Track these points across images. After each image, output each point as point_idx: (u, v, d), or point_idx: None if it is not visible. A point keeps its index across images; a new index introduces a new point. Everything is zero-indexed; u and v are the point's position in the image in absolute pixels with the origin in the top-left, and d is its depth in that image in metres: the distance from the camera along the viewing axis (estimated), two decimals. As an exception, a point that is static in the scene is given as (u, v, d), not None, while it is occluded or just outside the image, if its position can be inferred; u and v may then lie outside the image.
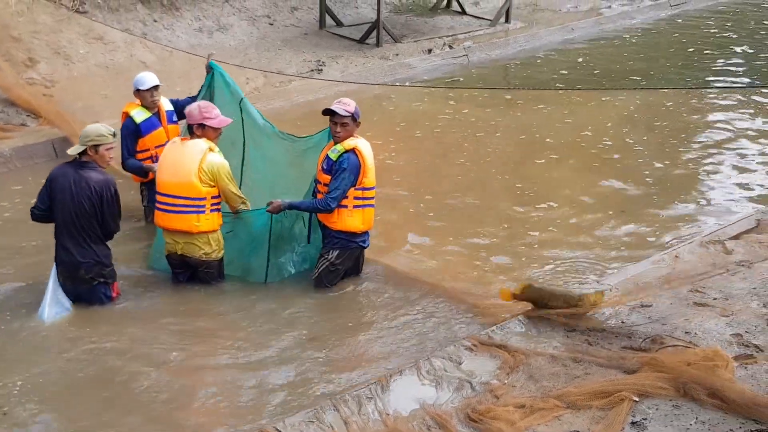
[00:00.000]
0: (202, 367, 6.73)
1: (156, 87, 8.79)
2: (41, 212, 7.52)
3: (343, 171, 7.57)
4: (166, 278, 8.07)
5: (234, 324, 7.43)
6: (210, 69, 8.93)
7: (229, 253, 8.01)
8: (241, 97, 8.69)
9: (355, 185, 7.68)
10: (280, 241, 8.05)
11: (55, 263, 7.51)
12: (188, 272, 7.93)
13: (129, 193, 9.15)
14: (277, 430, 5.45)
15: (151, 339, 7.16)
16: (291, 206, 7.78)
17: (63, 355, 6.91)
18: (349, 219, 7.78)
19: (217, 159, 7.60)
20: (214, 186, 7.60)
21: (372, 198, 7.89)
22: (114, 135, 7.47)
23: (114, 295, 7.67)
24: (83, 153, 7.37)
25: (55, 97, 12.48)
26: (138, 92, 8.78)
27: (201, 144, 7.62)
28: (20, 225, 8.81)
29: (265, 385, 6.42)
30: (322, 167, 7.76)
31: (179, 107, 9.04)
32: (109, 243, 7.67)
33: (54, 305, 7.42)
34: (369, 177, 7.78)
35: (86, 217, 7.35)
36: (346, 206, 7.72)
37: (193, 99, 9.00)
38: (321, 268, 7.89)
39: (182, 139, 7.81)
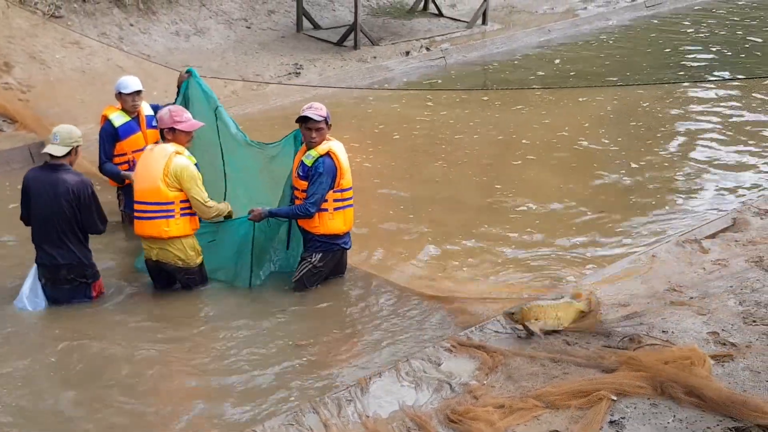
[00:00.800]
0: (181, 372, 6.73)
1: (138, 92, 8.79)
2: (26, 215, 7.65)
3: (320, 175, 7.57)
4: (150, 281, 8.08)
5: (213, 329, 7.41)
6: (188, 76, 8.86)
7: (214, 261, 8.03)
8: (217, 105, 8.65)
9: (333, 188, 7.68)
10: (263, 251, 8.07)
11: (36, 264, 7.57)
12: (165, 279, 7.91)
13: (107, 197, 9.13)
14: (257, 433, 5.46)
15: (130, 341, 7.17)
16: (271, 213, 7.78)
17: (43, 352, 6.99)
18: (330, 222, 7.78)
19: (181, 162, 7.52)
20: (182, 190, 7.53)
21: (350, 198, 7.91)
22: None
23: (95, 294, 7.74)
24: (65, 154, 7.43)
25: (32, 102, 12.42)
26: (120, 96, 8.77)
27: (168, 148, 7.58)
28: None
29: (245, 388, 6.42)
30: (298, 173, 7.75)
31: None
32: (91, 245, 7.72)
33: (32, 297, 7.56)
34: (346, 178, 7.79)
35: (65, 219, 7.40)
36: (326, 209, 7.72)
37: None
38: (303, 271, 7.89)
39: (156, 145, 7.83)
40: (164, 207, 7.51)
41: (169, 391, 6.44)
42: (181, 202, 7.55)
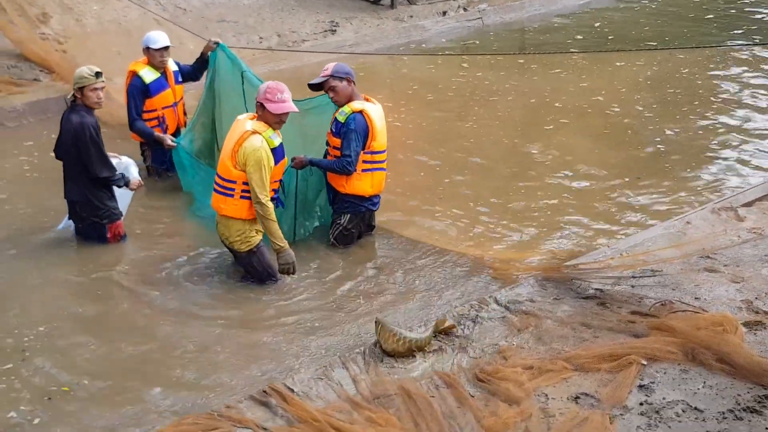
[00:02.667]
0: (212, 324, 6.76)
1: (167, 48, 8.75)
2: (57, 152, 7.87)
3: (351, 132, 7.55)
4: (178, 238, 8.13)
5: (239, 281, 7.43)
6: (215, 46, 8.85)
7: None
8: (243, 70, 8.61)
9: (364, 148, 7.66)
10: (308, 202, 8.08)
11: None
12: None
13: (134, 157, 9.19)
14: (287, 386, 5.48)
15: (152, 289, 7.30)
16: (312, 162, 7.75)
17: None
18: (357, 182, 7.77)
19: (253, 143, 6.93)
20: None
21: (382, 162, 7.88)
22: (97, 75, 7.54)
23: (110, 236, 7.90)
24: (75, 97, 7.61)
25: (68, 53, 12.48)
26: (148, 50, 8.74)
27: (247, 125, 7.05)
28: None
29: (275, 342, 6.45)
30: (332, 130, 7.74)
31: (183, 71, 9.06)
32: (125, 196, 8.00)
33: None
34: (378, 140, 7.74)
35: (73, 158, 7.64)
36: (354, 170, 7.71)
37: (194, 68, 9.02)
38: (336, 233, 7.92)
39: (251, 117, 7.20)
40: (227, 184, 7.08)
41: (198, 344, 6.46)
42: (244, 183, 7.02)
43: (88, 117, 7.61)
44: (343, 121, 7.60)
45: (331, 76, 7.62)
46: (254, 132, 6.98)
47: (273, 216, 7.05)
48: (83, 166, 7.63)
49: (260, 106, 7.06)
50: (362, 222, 8.00)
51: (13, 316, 6.84)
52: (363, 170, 7.75)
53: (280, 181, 7.45)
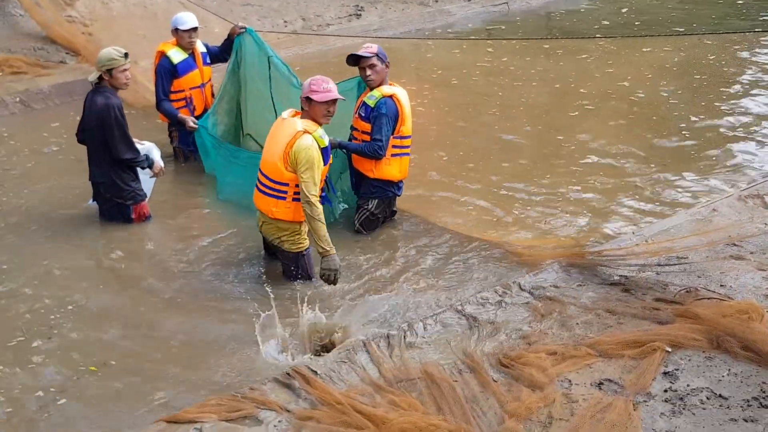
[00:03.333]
0: (234, 305, 6.80)
1: (195, 29, 8.78)
2: (80, 136, 7.97)
3: (383, 116, 7.52)
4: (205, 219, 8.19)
5: (263, 264, 7.46)
6: (242, 30, 8.81)
7: None
8: (269, 55, 8.58)
9: (393, 133, 7.64)
10: (333, 186, 8.04)
11: None
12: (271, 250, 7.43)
13: (159, 137, 9.26)
14: (311, 369, 5.49)
15: (177, 271, 7.34)
16: (341, 145, 7.71)
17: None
18: (386, 167, 7.76)
19: (305, 142, 6.68)
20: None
21: (408, 147, 7.87)
22: (126, 56, 7.61)
23: (135, 216, 8.01)
24: (100, 78, 7.62)
25: (94, 36, 12.54)
26: (176, 31, 8.78)
27: (297, 124, 6.79)
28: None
29: (300, 326, 6.45)
30: (359, 114, 7.70)
31: (210, 52, 9.09)
32: (149, 180, 8.06)
33: None
34: (406, 125, 7.73)
35: (98, 141, 7.71)
36: (384, 154, 7.70)
37: (221, 49, 9.01)
38: (362, 218, 7.92)
39: (294, 114, 6.97)
40: (278, 186, 6.86)
41: (220, 327, 6.49)
42: (296, 186, 6.79)
43: (114, 98, 7.65)
44: (372, 106, 7.57)
45: (377, 55, 7.59)
46: (305, 131, 6.73)
47: (322, 217, 6.75)
48: (108, 147, 7.68)
49: (306, 101, 6.80)
50: (387, 207, 8.00)
51: (40, 294, 6.90)
52: (392, 155, 7.74)
53: (326, 180, 7.28)
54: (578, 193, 8.85)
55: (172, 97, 8.90)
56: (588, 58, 13.15)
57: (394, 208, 8.17)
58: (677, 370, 5.52)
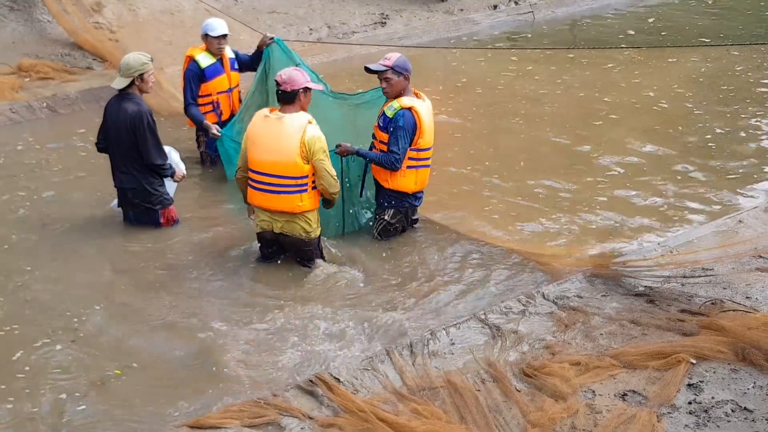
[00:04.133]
0: (257, 313, 6.78)
1: (225, 36, 8.85)
2: (101, 144, 7.96)
3: (399, 129, 7.47)
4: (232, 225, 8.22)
5: (288, 271, 7.45)
6: (270, 41, 8.86)
7: None
8: (297, 63, 8.62)
9: (411, 145, 7.60)
10: (352, 191, 8.05)
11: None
12: (279, 250, 7.52)
13: (187, 144, 9.31)
14: (333, 376, 5.49)
15: (202, 276, 7.36)
16: (359, 153, 7.68)
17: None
18: (402, 179, 7.72)
19: (316, 132, 6.97)
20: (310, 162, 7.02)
21: (427, 159, 7.79)
22: (152, 60, 7.72)
23: (163, 221, 8.04)
24: (129, 84, 7.65)
25: (120, 42, 12.62)
26: (206, 37, 8.85)
27: (302, 117, 6.99)
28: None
29: (322, 332, 6.45)
30: (379, 123, 7.69)
31: (240, 60, 9.14)
32: (171, 184, 8.06)
33: None
34: (425, 138, 7.64)
35: (127, 147, 7.73)
36: (401, 166, 7.66)
37: (251, 58, 9.06)
38: (379, 228, 7.91)
39: (271, 110, 7.15)
40: (300, 181, 7.01)
41: (243, 334, 6.49)
42: (313, 174, 7.06)
43: (144, 104, 7.72)
44: (391, 117, 7.54)
45: (392, 68, 7.53)
46: (309, 122, 6.98)
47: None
48: (137, 153, 7.72)
49: (304, 92, 7.03)
50: (405, 217, 7.97)
51: (64, 297, 6.94)
52: (408, 167, 7.68)
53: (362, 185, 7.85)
54: (603, 203, 8.81)
55: (200, 101, 8.96)
56: (614, 68, 13.11)
57: (416, 217, 8.15)
58: (702, 382, 5.48)
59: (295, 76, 7.03)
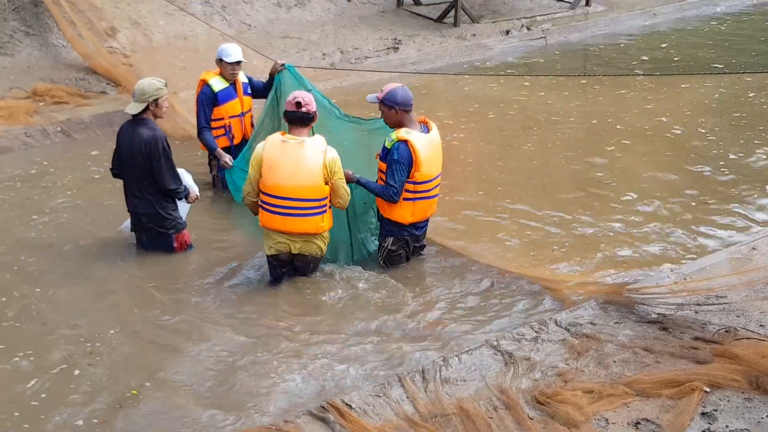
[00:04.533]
0: (269, 337, 6.79)
1: (239, 62, 8.90)
2: (116, 170, 7.99)
3: (395, 162, 7.38)
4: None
5: (301, 298, 7.45)
6: (282, 68, 8.90)
7: None
8: (309, 89, 8.64)
9: (408, 177, 7.48)
10: (357, 218, 8.03)
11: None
12: (289, 271, 7.60)
13: (200, 169, 9.34)
14: (345, 403, 5.48)
15: (215, 299, 7.38)
16: (359, 182, 7.63)
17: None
18: (398, 210, 7.63)
19: (334, 153, 7.20)
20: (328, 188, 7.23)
21: (426, 191, 7.62)
22: (166, 85, 7.77)
23: (177, 245, 8.05)
24: (144, 110, 7.67)
25: (134, 67, 12.67)
26: (221, 62, 8.91)
27: (320, 140, 7.22)
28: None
29: (333, 360, 6.44)
30: (380, 153, 7.64)
31: (254, 85, 9.19)
32: (184, 207, 8.14)
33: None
34: (422, 171, 7.46)
35: (141, 172, 7.74)
36: (398, 200, 7.58)
37: (265, 85, 9.14)
38: (383, 255, 7.87)
39: (283, 134, 7.26)
40: (322, 203, 7.21)
41: (256, 357, 6.49)
42: (329, 194, 7.27)
43: (159, 130, 7.76)
44: (389, 148, 7.48)
45: (381, 101, 7.54)
46: (326, 144, 7.22)
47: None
48: (152, 178, 7.74)
49: (316, 115, 7.30)
50: (407, 245, 7.88)
51: (79, 321, 6.97)
52: (404, 199, 7.57)
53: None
54: (616, 229, 8.79)
55: (212, 124, 9.00)
56: (627, 94, 13.10)
57: (421, 244, 8.08)
58: (716, 410, 5.45)
59: (311, 98, 7.27)
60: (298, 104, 7.13)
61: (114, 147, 7.96)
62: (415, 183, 7.51)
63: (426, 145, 7.49)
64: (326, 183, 7.14)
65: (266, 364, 6.38)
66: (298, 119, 7.17)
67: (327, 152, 7.12)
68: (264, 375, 6.25)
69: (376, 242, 8.11)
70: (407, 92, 7.56)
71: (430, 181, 7.61)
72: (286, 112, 7.26)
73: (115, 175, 8.03)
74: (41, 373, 6.25)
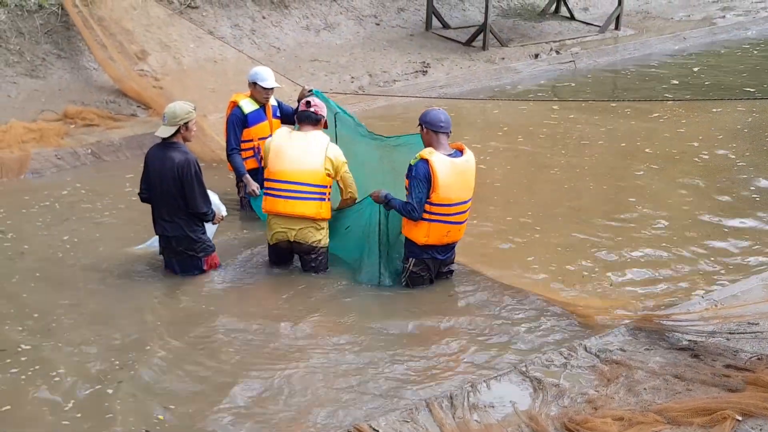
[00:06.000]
0: (294, 359, 6.77)
1: (273, 89, 8.95)
2: (145, 194, 8.01)
3: (413, 179, 7.41)
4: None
5: (327, 321, 7.44)
6: (309, 93, 8.94)
7: (343, 248, 8.30)
8: (336, 111, 8.84)
9: (428, 196, 7.45)
10: (390, 246, 8.00)
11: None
12: (286, 260, 8.26)
13: (226, 189, 9.36)
14: (372, 428, 5.44)
15: (242, 321, 7.38)
16: (387, 198, 7.62)
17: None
18: (414, 228, 7.61)
19: (337, 150, 8.00)
20: (331, 176, 7.90)
21: (442, 215, 7.52)
22: (195, 108, 7.87)
23: (206, 267, 8.08)
24: (174, 133, 7.72)
25: (165, 90, 12.75)
26: (254, 86, 8.96)
27: (323, 135, 8.03)
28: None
29: (360, 383, 6.41)
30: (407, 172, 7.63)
31: (283, 109, 9.23)
32: (210, 228, 8.21)
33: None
34: (438, 193, 7.40)
35: (172, 195, 7.77)
36: (418, 217, 7.54)
37: (294, 111, 9.16)
38: (405, 276, 7.84)
39: (292, 130, 8.13)
40: (322, 190, 7.86)
41: (280, 380, 6.46)
42: (329, 187, 7.96)
43: (191, 153, 7.82)
44: (412, 164, 7.49)
45: (420, 121, 7.65)
46: (330, 141, 8.05)
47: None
48: (183, 201, 7.77)
49: (324, 124, 8.15)
50: (428, 268, 7.83)
51: (109, 341, 7.00)
52: (422, 218, 7.56)
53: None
54: (646, 254, 8.70)
55: (242, 146, 9.03)
56: (660, 118, 13.02)
57: (449, 269, 8.02)
58: (749, 439, 5.37)
59: (322, 105, 8.14)
60: (308, 104, 8.03)
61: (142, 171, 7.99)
62: (431, 204, 7.47)
63: (449, 167, 7.44)
64: (329, 175, 7.86)
65: (292, 387, 6.35)
66: (306, 117, 8.01)
67: (330, 147, 7.92)
68: (290, 398, 6.22)
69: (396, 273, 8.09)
70: (439, 114, 7.64)
71: (450, 206, 7.51)
72: (297, 110, 8.26)
73: (143, 200, 8.04)
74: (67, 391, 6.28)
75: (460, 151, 7.63)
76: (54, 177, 10.70)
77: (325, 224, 8.03)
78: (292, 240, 7.99)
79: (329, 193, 7.98)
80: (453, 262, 8.04)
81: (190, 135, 7.83)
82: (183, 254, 7.96)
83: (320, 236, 8.01)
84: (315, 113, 8.00)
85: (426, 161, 7.39)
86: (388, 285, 7.97)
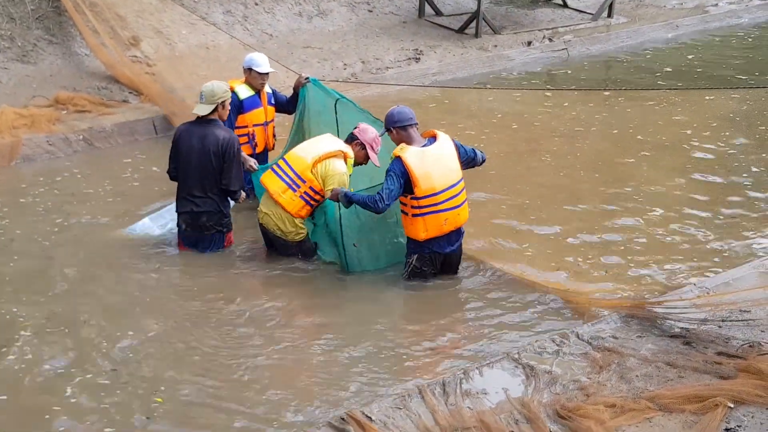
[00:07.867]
0: (287, 346, 6.80)
1: (268, 74, 8.96)
2: (174, 173, 8.15)
3: (388, 173, 7.34)
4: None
5: (322, 310, 7.45)
6: (306, 81, 8.99)
7: (324, 243, 8.24)
8: (337, 98, 8.78)
9: (402, 193, 7.38)
10: (361, 232, 7.96)
11: (176, 212, 8.16)
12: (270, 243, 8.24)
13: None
14: (365, 414, 5.45)
15: (240, 306, 7.43)
16: (346, 195, 7.49)
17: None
18: (411, 227, 7.58)
19: (340, 167, 7.80)
20: (316, 176, 7.79)
21: (433, 205, 7.42)
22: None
23: (226, 244, 8.25)
24: (212, 111, 7.90)
25: (157, 76, 12.70)
26: (249, 71, 8.97)
27: (341, 145, 7.96)
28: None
29: (353, 371, 6.43)
30: None
31: (277, 98, 9.30)
32: None
33: (147, 223, 8.63)
34: (421, 186, 7.31)
35: (211, 170, 7.92)
36: (406, 213, 7.54)
37: (288, 100, 9.29)
38: (408, 271, 7.79)
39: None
40: (295, 178, 7.81)
41: (275, 367, 6.49)
42: (310, 189, 7.81)
43: (231, 131, 8.04)
44: (390, 159, 7.48)
45: (386, 130, 7.73)
46: (345, 155, 7.85)
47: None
48: (219, 178, 7.92)
49: (361, 145, 7.96)
50: (434, 263, 7.76)
51: (114, 326, 7.01)
52: (413, 215, 7.49)
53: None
54: (638, 242, 8.72)
55: (236, 132, 9.00)
56: (655, 106, 13.02)
57: (455, 268, 7.95)
58: (739, 426, 5.40)
59: (370, 134, 8.00)
60: (355, 127, 8.06)
61: (171, 150, 8.11)
62: (417, 198, 7.38)
63: (422, 158, 7.37)
64: (314, 174, 7.75)
65: (284, 375, 6.37)
66: (349, 137, 8.04)
67: (335, 158, 7.80)
68: (283, 385, 6.24)
69: (383, 262, 8.11)
70: (402, 109, 7.65)
71: (437, 194, 7.41)
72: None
73: (172, 178, 8.16)
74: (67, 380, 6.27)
75: (433, 138, 7.61)
76: (46, 162, 10.66)
77: (287, 217, 7.88)
78: (260, 222, 8.10)
79: (304, 192, 7.81)
80: (460, 262, 7.98)
81: (226, 114, 8.04)
82: (212, 229, 8.09)
83: (282, 226, 7.92)
84: (353, 134, 8.01)
85: (399, 158, 7.34)
86: (371, 269, 7.99)
